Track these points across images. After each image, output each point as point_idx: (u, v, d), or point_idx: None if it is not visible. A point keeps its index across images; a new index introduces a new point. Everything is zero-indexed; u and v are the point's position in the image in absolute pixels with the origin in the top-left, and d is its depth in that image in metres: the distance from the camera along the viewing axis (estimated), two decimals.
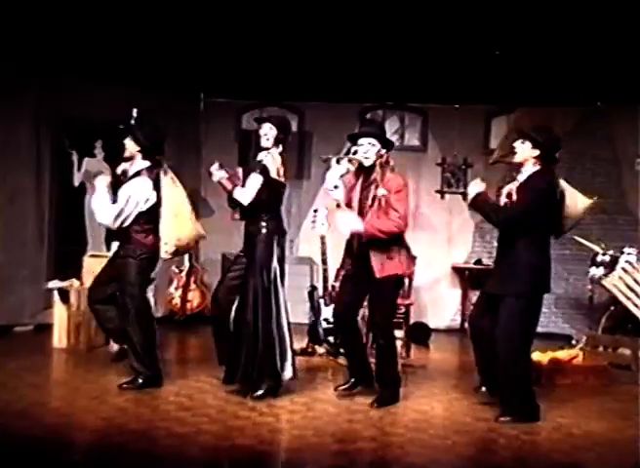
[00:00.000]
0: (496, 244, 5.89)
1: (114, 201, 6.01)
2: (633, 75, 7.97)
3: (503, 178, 9.03)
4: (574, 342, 8.16)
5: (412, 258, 5.72)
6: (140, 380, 6.05)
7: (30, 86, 8.47)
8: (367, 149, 5.74)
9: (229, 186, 5.99)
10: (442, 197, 10.13)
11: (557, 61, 7.95)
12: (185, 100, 9.99)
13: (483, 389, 5.78)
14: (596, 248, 8.11)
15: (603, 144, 9.75)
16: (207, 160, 10.14)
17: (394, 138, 10.23)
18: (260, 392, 5.83)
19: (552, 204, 5.45)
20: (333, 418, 5.51)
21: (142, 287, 6.15)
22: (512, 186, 5.52)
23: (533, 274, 5.42)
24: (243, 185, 5.97)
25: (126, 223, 6.02)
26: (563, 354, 7.09)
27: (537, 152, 5.46)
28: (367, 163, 5.75)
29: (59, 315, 7.91)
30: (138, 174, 6.08)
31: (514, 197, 5.45)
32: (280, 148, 6.04)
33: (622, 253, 7.88)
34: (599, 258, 8.00)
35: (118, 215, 5.98)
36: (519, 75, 8.38)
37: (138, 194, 6.01)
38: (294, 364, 6.04)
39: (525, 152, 5.50)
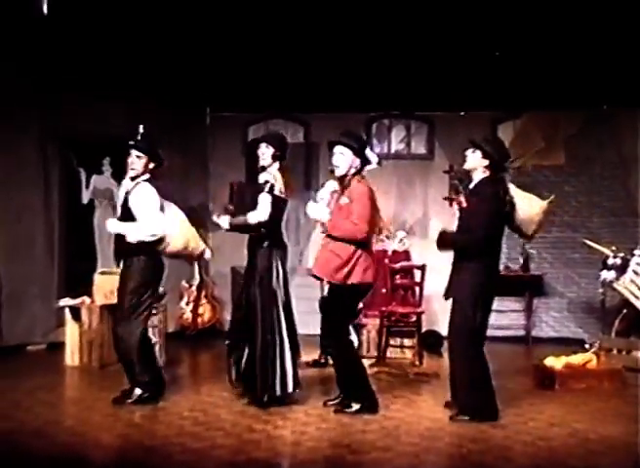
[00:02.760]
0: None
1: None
2: (638, 78, 7.95)
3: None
4: (587, 346, 8.12)
5: (371, 270, 5.79)
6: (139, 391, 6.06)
7: (37, 104, 8.50)
8: (337, 158, 5.83)
9: (241, 221, 6.10)
10: (450, 204, 10.09)
11: (562, 66, 7.96)
12: (192, 115, 10.04)
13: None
14: (607, 251, 8.09)
15: (609, 147, 9.74)
16: (214, 174, 10.21)
17: (401, 147, 10.28)
18: (262, 401, 5.91)
19: (499, 210, 5.69)
20: (347, 429, 5.50)
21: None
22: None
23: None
24: (242, 200, 6.06)
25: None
26: (577, 358, 7.05)
27: (486, 162, 5.73)
28: (337, 172, 5.86)
29: (70, 333, 7.92)
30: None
31: (464, 204, 5.77)
32: (278, 165, 6.17)
33: (633, 255, 7.86)
34: (610, 262, 7.98)
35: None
36: (524, 81, 8.39)
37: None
38: (295, 375, 6.07)
39: (475, 161, 5.77)
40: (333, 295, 5.93)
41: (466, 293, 5.71)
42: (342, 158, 5.82)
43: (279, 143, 6.24)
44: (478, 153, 5.74)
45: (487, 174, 5.75)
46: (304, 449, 5.04)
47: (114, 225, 6.07)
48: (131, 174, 6.09)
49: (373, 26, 7.09)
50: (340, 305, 5.89)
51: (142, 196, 6.02)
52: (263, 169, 6.17)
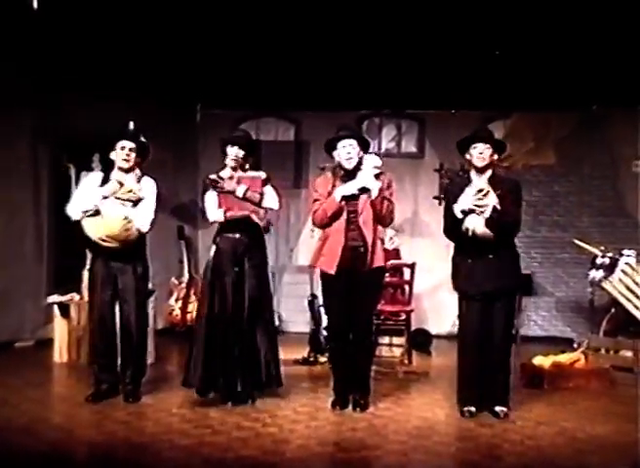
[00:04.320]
0: None
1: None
2: (629, 78, 7.99)
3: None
4: (575, 346, 8.16)
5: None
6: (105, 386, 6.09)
7: (27, 101, 8.46)
8: (348, 151, 5.77)
9: (257, 198, 6.05)
10: (440, 203, 10.12)
11: (553, 66, 7.98)
12: (182, 112, 10.02)
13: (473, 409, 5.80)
14: (595, 250, 8.11)
15: (599, 147, 9.77)
16: (204, 170, 10.18)
17: (391, 146, 10.29)
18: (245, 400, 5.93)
19: None
20: (336, 427, 5.50)
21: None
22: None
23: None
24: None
25: None
26: (565, 358, 7.07)
27: (495, 156, 5.81)
28: (349, 164, 5.79)
29: (59, 330, 7.90)
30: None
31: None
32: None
33: (622, 255, 7.88)
34: (599, 261, 8.00)
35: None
36: (515, 80, 8.40)
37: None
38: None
39: (489, 156, 5.77)
40: (376, 282, 5.92)
41: (515, 283, 5.80)
42: (354, 151, 5.78)
43: (249, 144, 6.27)
44: (490, 148, 5.72)
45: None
46: (293, 447, 5.04)
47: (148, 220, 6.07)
48: (124, 165, 6.06)
49: (365, 25, 7.09)
50: (380, 292, 6.02)
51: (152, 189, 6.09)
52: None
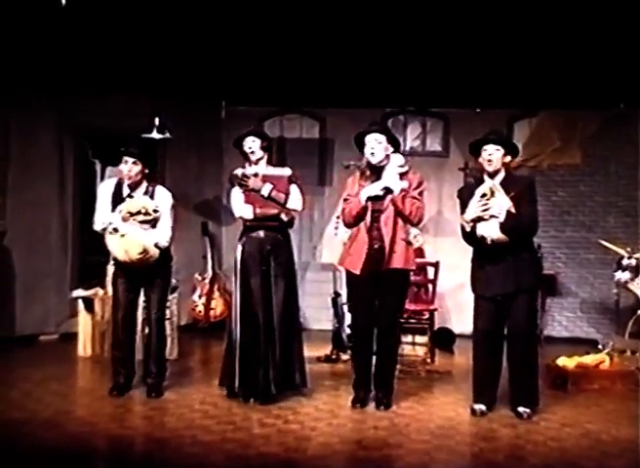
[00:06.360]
0: None
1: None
2: None
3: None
4: (600, 347, 8.06)
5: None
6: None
7: (52, 96, 8.51)
8: (374, 147, 5.75)
9: (282, 198, 6.01)
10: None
11: (579, 65, 7.91)
12: (207, 108, 10.03)
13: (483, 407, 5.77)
14: (621, 251, 8.03)
15: (627, 147, 9.66)
16: (228, 167, 10.20)
17: (416, 144, 10.24)
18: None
19: None
20: (358, 425, 5.49)
21: None
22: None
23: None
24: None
25: None
26: (589, 359, 7.01)
27: (508, 158, 5.75)
28: (374, 159, 5.77)
29: (83, 324, 7.95)
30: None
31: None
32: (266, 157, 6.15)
33: None
34: (624, 262, 7.92)
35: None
36: (541, 79, 8.33)
37: None
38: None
39: (501, 159, 5.71)
40: (398, 283, 5.87)
41: (534, 282, 5.77)
42: (379, 146, 5.75)
43: (265, 135, 6.22)
44: (501, 150, 5.67)
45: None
46: (315, 445, 5.03)
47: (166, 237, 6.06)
48: (127, 181, 6.03)
49: (390, 22, 7.06)
50: (404, 294, 5.99)
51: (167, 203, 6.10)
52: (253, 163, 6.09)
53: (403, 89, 8.93)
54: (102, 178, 9.24)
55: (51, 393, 6.15)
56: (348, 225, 5.90)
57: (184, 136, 9.55)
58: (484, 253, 5.67)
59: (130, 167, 6.01)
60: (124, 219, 5.87)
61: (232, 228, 8.78)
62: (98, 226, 6.03)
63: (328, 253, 9.65)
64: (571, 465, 4.83)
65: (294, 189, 6.08)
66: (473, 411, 5.73)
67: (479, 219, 5.55)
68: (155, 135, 8.75)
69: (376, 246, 5.73)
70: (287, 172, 6.14)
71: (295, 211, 6.11)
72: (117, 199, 6.02)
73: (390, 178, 5.73)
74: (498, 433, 5.33)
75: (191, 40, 7.56)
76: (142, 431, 5.26)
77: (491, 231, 5.51)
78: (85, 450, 4.90)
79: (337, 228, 7.89)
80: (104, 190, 6.17)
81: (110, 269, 8.17)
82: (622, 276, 7.92)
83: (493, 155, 5.65)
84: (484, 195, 5.54)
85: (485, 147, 5.68)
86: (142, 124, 8.71)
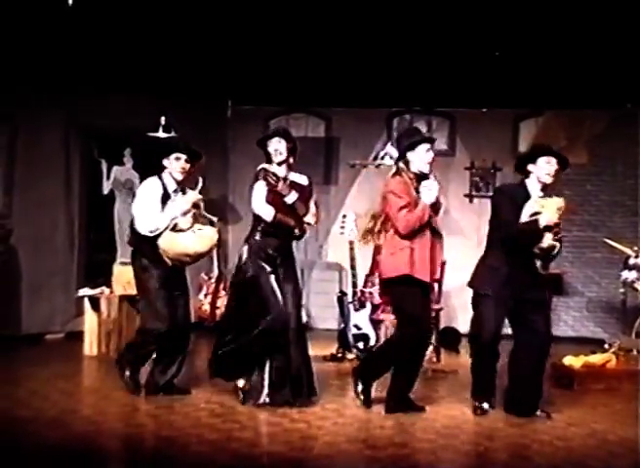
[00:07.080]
0: None
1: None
2: None
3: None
4: (607, 346, 8.05)
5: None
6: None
7: (59, 96, 8.53)
8: (431, 155, 5.65)
9: (302, 211, 5.93)
10: (471, 201, 10.08)
11: (586, 64, 7.90)
12: (213, 108, 10.04)
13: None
14: (628, 251, 8.03)
15: (633, 146, 9.64)
16: (234, 166, 10.21)
17: None
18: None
19: None
20: (364, 424, 5.49)
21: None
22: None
23: None
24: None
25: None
26: (596, 358, 7.00)
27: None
28: (428, 169, 5.67)
29: (89, 323, 7.96)
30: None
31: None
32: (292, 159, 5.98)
33: None
34: (631, 261, 7.92)
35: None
36: (548, 78, 8.32)
37: None
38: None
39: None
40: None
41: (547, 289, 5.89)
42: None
43: (292, 137, 6.03)
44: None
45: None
46: (321, 444, 5.03)
47: None
48: (179, 177, 6.00)
49: (396, 22, 7.06)
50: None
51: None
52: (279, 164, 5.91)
53: (409, 88, 8.93)
54: (108, 178, 9.27)
55: (57, 392, 6.16)
56: (411, 234, 5.57)
57: (190, 136, 9.51)
58: (515, 258, 5.58)
59: (183, 164, 5.99)
60: (185, 214, 5.85)
61: (238, 227, 8.81)
62: (150, 227, 5.81)
63: (334, 252, 9.67)
64: (577, 465, 4.82)
65: (312, 204, 5.99)
66: (474, 410, 5.72)
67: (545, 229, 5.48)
68: (161, 134, 8.75)
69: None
70: (305, 180, 6.00)
71: (308, 224, 6.02)
72: (165, 198, 5.92)
73: (436, 187, 5.63)
74: (503, 432, 5.33)
75: (198, 40, 7.57)
76: (148, 430, 5.27)
77: (547, 239, 5.48)
78: (91, 449, 4.89)
79: (343, 227, 7.90)
80: (151, 192, 5.94)
81: (117, 268, 8.26)
82: (629, 275, 7.92)
83: (553, 168, 5.60)
84: (537, 213, 5.49)
85: (548, 159, 5.59)
86: (148, 124, 8.72)
